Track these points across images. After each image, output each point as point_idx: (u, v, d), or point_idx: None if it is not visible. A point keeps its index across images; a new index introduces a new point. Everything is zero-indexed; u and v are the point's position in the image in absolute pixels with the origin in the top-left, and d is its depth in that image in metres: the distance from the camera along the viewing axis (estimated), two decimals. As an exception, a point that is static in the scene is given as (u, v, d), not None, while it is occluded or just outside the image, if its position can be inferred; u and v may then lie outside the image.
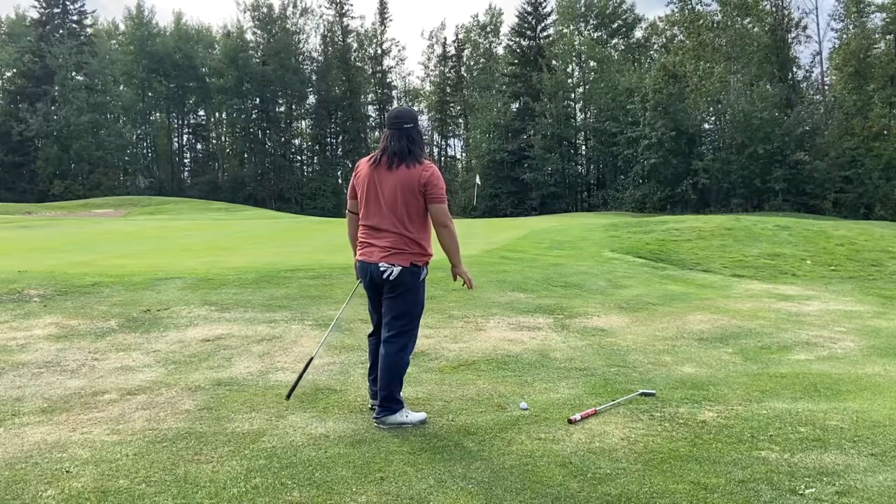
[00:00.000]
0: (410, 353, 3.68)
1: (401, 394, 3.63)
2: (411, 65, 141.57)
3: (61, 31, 52.05)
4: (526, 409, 3.83)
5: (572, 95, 51.43)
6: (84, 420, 3.56)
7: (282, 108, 60.31)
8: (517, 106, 51.08)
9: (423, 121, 65.59)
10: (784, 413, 3.81)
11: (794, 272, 10.38)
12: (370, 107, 63.18)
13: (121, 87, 57.42)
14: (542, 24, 52.61)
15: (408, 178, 3.50)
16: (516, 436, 3.42)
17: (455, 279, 3.85)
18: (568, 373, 4.70)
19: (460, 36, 61.59)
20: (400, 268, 3.50)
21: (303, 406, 3.83)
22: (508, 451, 3.22)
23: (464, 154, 63.50)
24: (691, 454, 3.19)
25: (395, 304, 3.59)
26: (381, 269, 3.52)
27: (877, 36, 39.66)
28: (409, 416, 3.57)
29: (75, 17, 54.57)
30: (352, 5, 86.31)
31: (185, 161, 66.06)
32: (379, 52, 61.70)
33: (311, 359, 4.08)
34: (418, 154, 3.55)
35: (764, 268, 10.62)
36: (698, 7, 46.64)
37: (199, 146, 65.39)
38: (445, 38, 62.53)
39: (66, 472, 2.88)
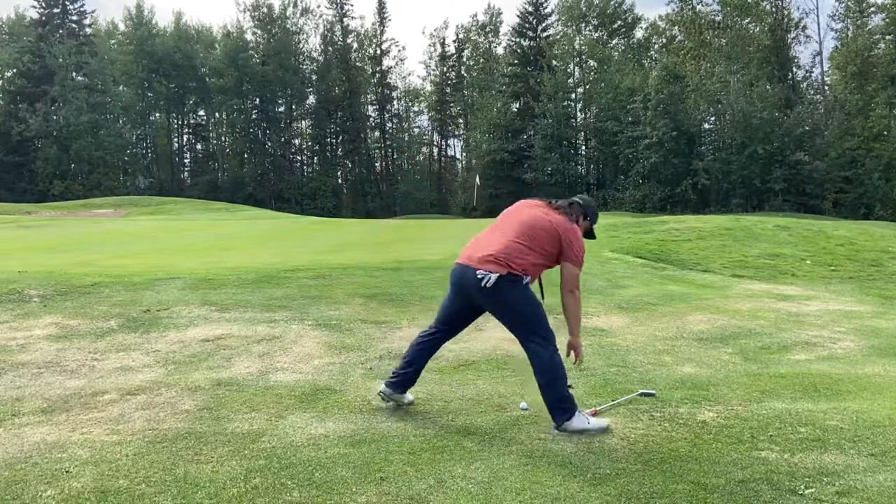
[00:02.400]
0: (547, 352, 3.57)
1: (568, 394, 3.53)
2: (411, 65, 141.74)
3: (61, 31, 52.06)
4: (526, 410, 3.83)
5: (573, 95, 51.48)
6: (84, 420, 3.56)
7: (282, 108, 60.33)
8: (517, 106, 51.11)
9: (424, 121, 65.65)
10: (784, 413, 3.81)
11: (794, 272, 10.37)
12: (370, 107, 63.22)
13: (121, 87, 57.41)
14: (543, 25, 52.64)
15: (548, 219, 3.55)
16: (516, 436, 3.42)
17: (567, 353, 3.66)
18: (568, 373, 4.69)
19: (460, 36, 61.66)
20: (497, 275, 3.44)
21: (303, 406, 3.83)
22: (508, 451, 3.21)
23: (464, 154, 63.53)
24: (691, 454, 3.19)
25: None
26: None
27: (877, 36, 39.72)
28: (590, 421, 3.48)
29: (75, 18, 54.60)
30: (352, 5, 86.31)
31: (185, 161, 66.10)
32: (379, 52, 61.73)
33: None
34: (572, 216, 3.61)
35: (764, 268, 10.61)
36: (699, 7, 46.70)
37: (199, 146, 65.40)
38: (445, 38, 62.60)
39: (66, 472, 2.88)
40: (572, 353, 3.66)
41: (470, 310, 3.71)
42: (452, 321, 3.78)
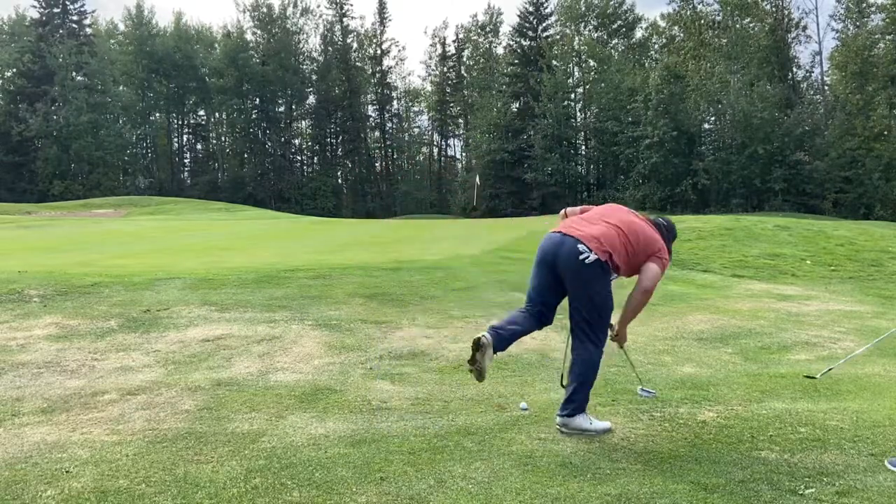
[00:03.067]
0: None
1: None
2: (411, 65, 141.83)
3: (61, 31, 52.06)
4: (526, 410, 3.83)
5: (573, 95, 51.49)
6: (84, 420, 3.56)
7: (282, 108, 60.32)
8: (517, 106, 51.10)
9: (424, 121, 65.64)
10: (784, 413, 3.81)
11: (794, 272, 10.38)
12: (370, 107, 63.23)
13: (121, 88, 57.41)
14: (543, 25, 52.65)
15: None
16: (516, 436, 3.42)
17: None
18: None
19: (460, 36, 61.65)
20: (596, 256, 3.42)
21: (303, 406, 3.83)
22: (508, 451, 3.22)
23: (464, 154, 63.53)
24: (691, 454, 3.19)
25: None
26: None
27: (877, 36, 39.72)
28: (592, 422, 3.48)
29: (75, 18, 54.60)
30: (352, 5, 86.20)
31: (185, 161, 66.09)
32: (379, 52, 61.74)
33: None
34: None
35: (764, 268, 10.61)
36: (699, 7, 46.72)
37: (199, 146, 65.39)
38: (445, 38, 62.59)
39: (66, 472, 2.88)
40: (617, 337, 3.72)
41: (555, 284, 3.55)
42: (544, 296, 3.61)
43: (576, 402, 3.45)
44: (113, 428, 3.44)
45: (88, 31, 55.54)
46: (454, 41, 61.82)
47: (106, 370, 4.49)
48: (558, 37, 52.20)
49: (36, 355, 4.78)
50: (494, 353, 3.52)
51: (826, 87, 45.98)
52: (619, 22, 52.66)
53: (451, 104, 61.79)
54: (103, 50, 54.92)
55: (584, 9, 51.52)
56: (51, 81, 49.32)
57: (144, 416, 3.61)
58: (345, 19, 60.41)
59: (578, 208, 3.93)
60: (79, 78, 51.30)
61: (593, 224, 3.57)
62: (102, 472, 2.89)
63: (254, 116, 58.14)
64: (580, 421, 3.44)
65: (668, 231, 3.78)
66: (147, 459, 3.02)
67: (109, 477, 2.84)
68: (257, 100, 58.37)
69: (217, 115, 61.99)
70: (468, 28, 61.45)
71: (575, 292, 3.48)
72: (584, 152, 52.57)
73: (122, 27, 62.06)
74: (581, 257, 3.38)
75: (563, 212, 4.00)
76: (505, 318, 3.67)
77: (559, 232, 3.56)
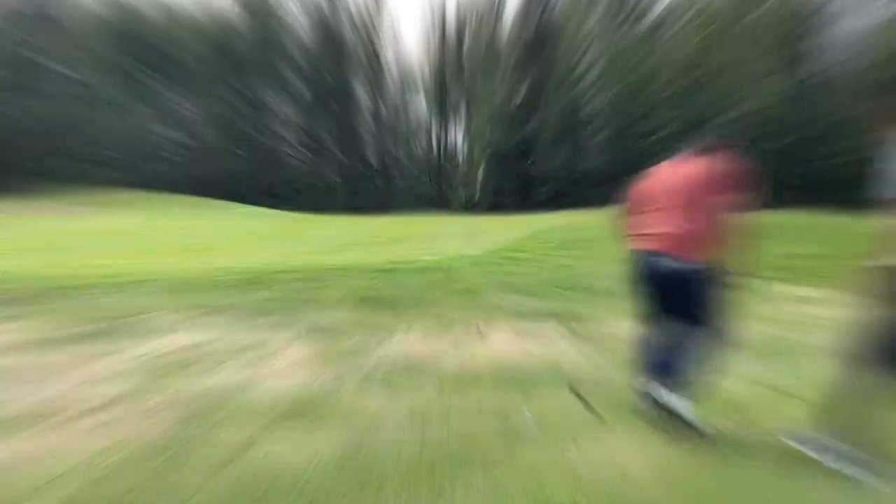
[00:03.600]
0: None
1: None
2: (410, 52, 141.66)
3: (42, 21, 52.17)
4: (531, 421, 3.81)
5: (581, 84, 51.50)
6: (66, 428, 3.57)
7: (272, 99, 60.42)
8: (523, 95, 51.13)
9: (423, 112, 65.63)
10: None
11: (819, 273, 10.35)
12: (365, 96, 63.27)
13: (103, 78, 57.48)
14: (551, 10, 52.68)
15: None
16: (520, 448, 3.41)
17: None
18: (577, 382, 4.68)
19: (462, 20, 61.66)
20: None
21: (293, 416, 3.83)
22: (511, 463, 3.21)
23: (465, 146, 63.55)
24: (715, 473, 3.16)
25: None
26: None
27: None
28: (690, 413, 3.43)
29: (56, 7, 54.73)
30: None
31: (171, 156, 66.09)
32: (374, 39, 61.79)
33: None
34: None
35: (785, 268, 10.59)
36: (713, -6, 46.71)
37: (184, 139, 65.41)
38: (445, 22, 62.61)
39: (47, 482, 2.90)
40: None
41: (661, 291, 3.65)
42: (661, 307, 3.69)
43: (668, 378, 3.43)
44: (96, 436, 3.45)
45: (71, 20, 55.64)
46: (455, 26, 61.89)
47: (86, 377, 4.49)
48: (567, 23, 52.22)
49: (12, 360, 4.77)
50: (682, 386, 3.59)
51: (845, 78, 45.95)
52: (631, 8, 52.65)
53: (452, 93, 61.85)
54: (85, 40, 55.03)
55: (592, -6, 51.51)
56: (33, 73, 49.41)
57: (127, 425, 3.61)
58: (338, 5, 60.50)
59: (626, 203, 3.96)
60: (60, 69, 51.39)
61: (661, 221, 3.59)
62: (85, 482, 2.90)
63: (242, 108, 58.22)
64: (672, 399, 3.42)
65: (719, 146, 3.73)
66: (131, 469, 3.03)
67: (92, 487, 2.85)
68: (245, 90, 58.46)
69: (203, 106, 62.03)
70: (470, 12, 61.50)
71: (675, 297, 3.58)
72: (593, 144, 52.58)
73: (104, 16, 62.11)
74: (670, 269, 3.48)
75: (617, 213, 4.07)
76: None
77: (640, 249, 3.67)
